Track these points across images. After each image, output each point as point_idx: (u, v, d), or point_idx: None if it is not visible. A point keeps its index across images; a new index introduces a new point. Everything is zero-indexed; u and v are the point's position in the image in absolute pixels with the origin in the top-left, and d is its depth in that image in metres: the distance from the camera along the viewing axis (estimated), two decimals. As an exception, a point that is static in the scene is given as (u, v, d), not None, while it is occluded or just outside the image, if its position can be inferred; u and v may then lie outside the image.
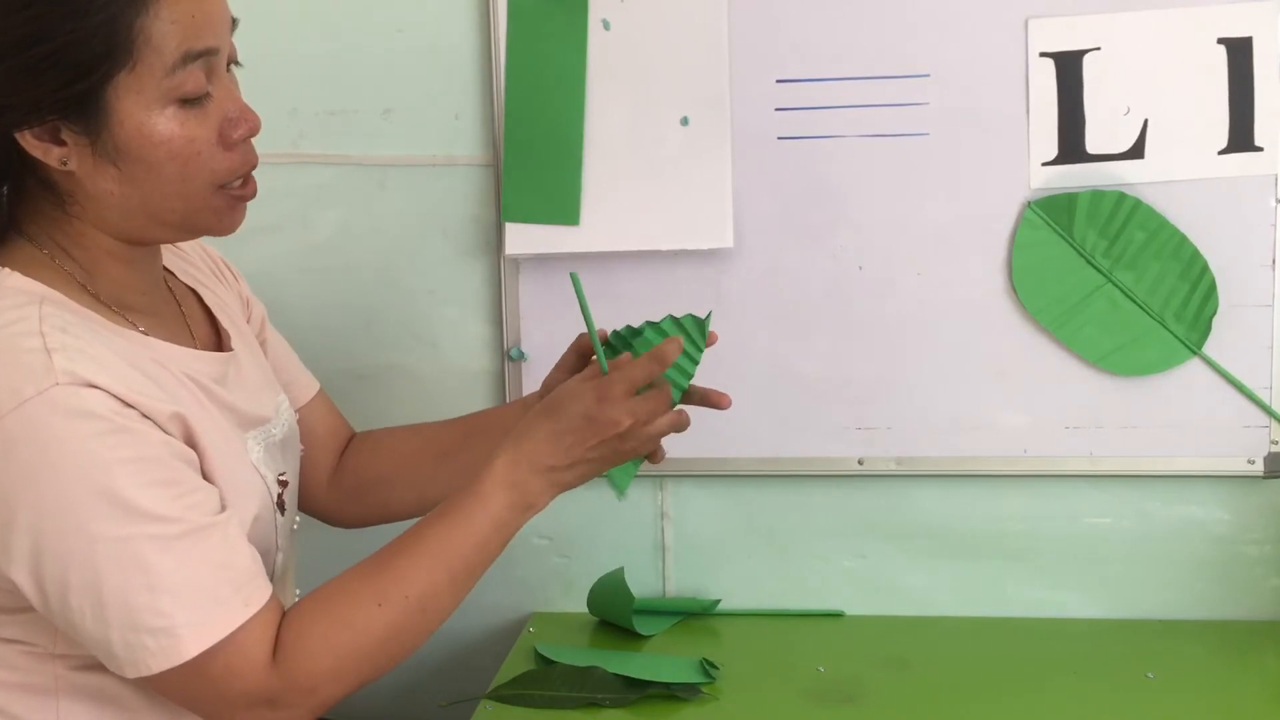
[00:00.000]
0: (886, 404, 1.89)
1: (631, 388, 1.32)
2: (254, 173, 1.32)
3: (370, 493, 1.62)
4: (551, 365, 1.55)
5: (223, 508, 1.24)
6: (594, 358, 1.39)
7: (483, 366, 1.98)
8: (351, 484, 1.63)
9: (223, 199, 1.29)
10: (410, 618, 1.27)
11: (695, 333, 1.38)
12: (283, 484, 1.39)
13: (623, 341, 1.40)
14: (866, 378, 1.89)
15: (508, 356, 1.94)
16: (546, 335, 1.91)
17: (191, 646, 1.17)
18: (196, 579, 1.17)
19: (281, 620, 1.24)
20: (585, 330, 1.41)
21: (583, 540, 1.97)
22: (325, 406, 1.65)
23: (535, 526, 1.90)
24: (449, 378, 1.96)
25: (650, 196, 1.82)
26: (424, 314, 1.95)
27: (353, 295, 1.96)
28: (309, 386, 1.64)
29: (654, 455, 1.38)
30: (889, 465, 1.90)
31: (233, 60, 1.30)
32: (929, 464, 1.90)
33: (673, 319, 1.38)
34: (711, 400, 1.44)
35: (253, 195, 1.32)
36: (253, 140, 1.30)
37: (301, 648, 1.23)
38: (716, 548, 1.98)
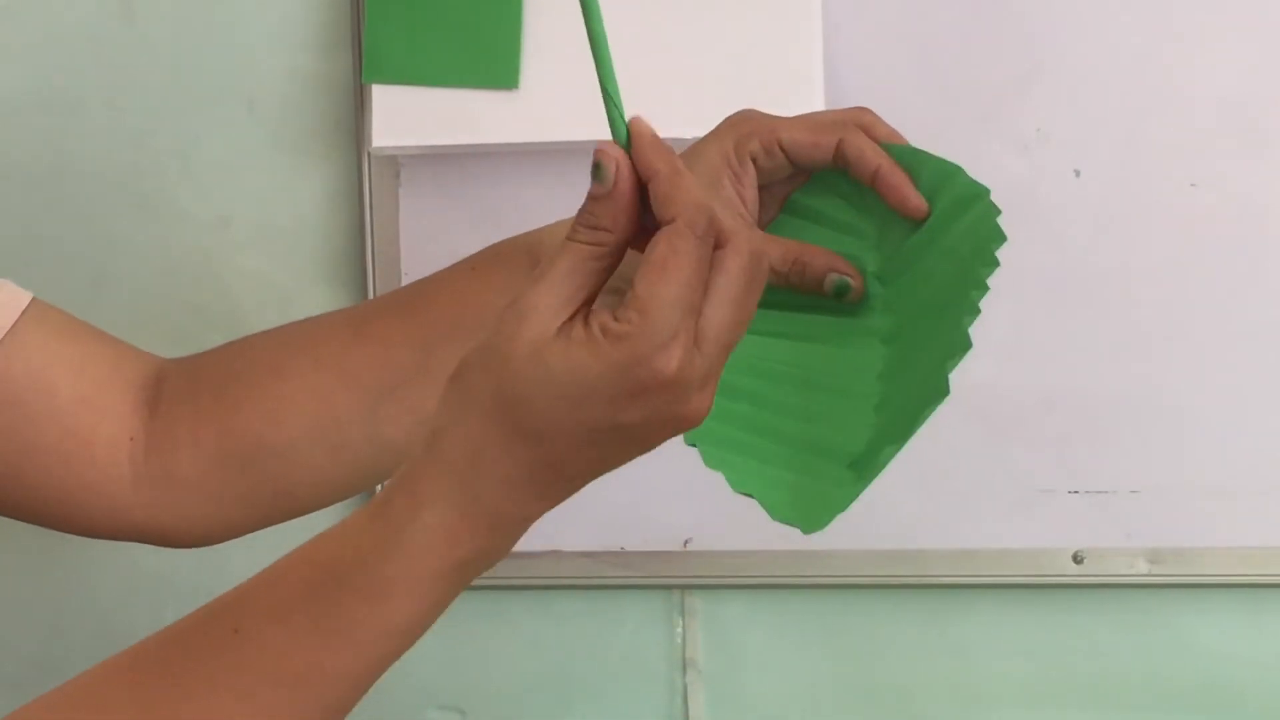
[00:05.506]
0: (1129, 445, 1.49)
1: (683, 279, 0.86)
2: None
3: (244, 471, 1.25)
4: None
5: None
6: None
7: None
8: (193, 470, 1.24)
9: None
10: None
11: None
12: None
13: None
14: (1089, 392, 1.50)
15: (380, 355, 1.59)
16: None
17: None
18: None
19: None
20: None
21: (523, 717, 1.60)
22: (61, 331, 1.26)
23: (432, 692, 1.60)
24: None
25: (659, 36, 1.50)
26: (210, 270, 1.60)
27: (56, 230, 1.59)
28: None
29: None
30: (1134, 566, 1.52)
31: None
32: (1215, 563, 1.49)
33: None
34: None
35: None
36: None
37: None
38: (788, 727, 1.64)
